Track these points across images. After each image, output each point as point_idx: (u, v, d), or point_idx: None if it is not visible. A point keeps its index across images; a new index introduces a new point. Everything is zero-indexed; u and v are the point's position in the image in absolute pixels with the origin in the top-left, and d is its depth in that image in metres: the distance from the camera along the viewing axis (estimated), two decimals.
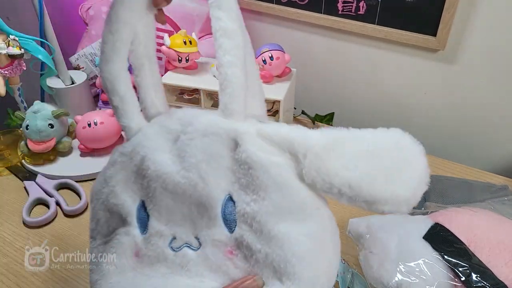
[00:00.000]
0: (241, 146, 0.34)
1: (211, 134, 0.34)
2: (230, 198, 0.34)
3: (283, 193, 0.33)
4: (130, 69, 0.81)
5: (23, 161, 0.73)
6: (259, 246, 0.33)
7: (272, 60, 0.70)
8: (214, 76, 0.74)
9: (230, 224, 0.34)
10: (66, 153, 0.74)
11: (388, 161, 0.32)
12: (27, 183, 0.68)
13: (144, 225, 0.37)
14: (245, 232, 0.33)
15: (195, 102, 0.76)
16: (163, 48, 0.74)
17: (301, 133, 0.33)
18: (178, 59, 0.74)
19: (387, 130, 0.33)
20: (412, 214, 0.54)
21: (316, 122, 0.83)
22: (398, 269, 0.46)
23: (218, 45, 0.35)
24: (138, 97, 0.40)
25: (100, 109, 0.78)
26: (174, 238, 0.36)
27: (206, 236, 0.35)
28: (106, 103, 0.78)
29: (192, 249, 0.35)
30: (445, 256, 0.45)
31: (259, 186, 0.33)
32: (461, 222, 0.49)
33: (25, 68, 0.70)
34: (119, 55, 0.37)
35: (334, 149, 0.32)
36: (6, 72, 0.68)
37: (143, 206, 0.37)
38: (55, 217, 0.64)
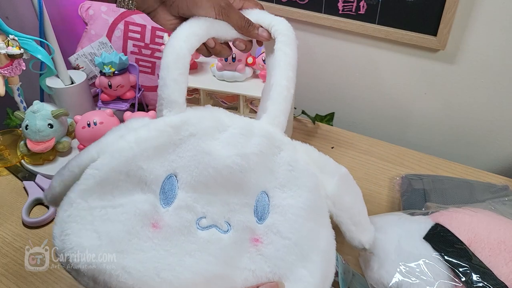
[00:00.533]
0: (285, 151, 0.40)
1: (261, 136, 0.40)
2: (265, 194, 0.39)
3: (315, 197, 0.40)
4: (130, 70, 0.80)
5: (22, 161, 0.73)
6: (291, 234, 0.38)
7: None
8: (214, 76, 0.74)
9: (261, 215, 0.39)
10: (65, 153, 0.74)
11: None
12: (27, 183, 0.68)
13: (169, 198, 0.38)
14: (276, 221, 0.38)
15: (195, 102, 0.76)
16: (163, 47, 0.74)
17: (336, 164, 0.43)
18: None
19: None
20: (413, 214, 0.54)
21: (316, 122, 0.83)
22: (398, 270, 0.46)
23: (282, 71, 0.43)
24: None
25: (99, 109, 0.78)
26: (204, 217, 0.38)
27: (238, 221, 0.38)
28: (106, 103, 0.78)
29: (220, 231, 0.38)
30: (446, 257, 0.45)
31: (297, 185, 0.39)
32: (462, 222, 0.49)
33: (24, 68, 0.70)
34: (194, 35, 0.42)
35: (349, 181, 0.44)
36: (5, 72, 0.68)
37: (174, 179, 0.38)
38: (54, 217, 0.63)
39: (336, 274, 0.55)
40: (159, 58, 0.84)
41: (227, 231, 0.38)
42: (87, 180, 0.37)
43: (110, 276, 0.34)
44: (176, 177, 0.38)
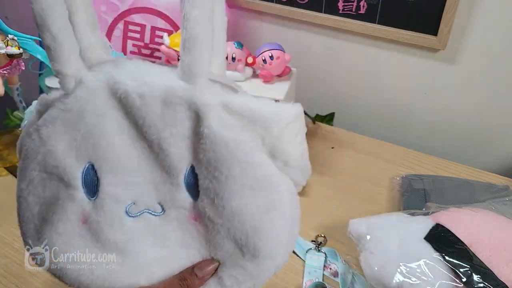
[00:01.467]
0: (204, 121, 0.32)
1: (170, 104, 0.32)
2: (192, 170, 0.34)
3: (247, 171, 0.33)
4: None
5: None
6: (221, 220, 0.33)
7: (272, 59, 0.70)
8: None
9: (193, 193, 0.34)
10: None
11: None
12: None
13: (93, 189, 0.34)
14: (207, 205, 0.33)
15: None
16: (163, 47, 0.73)
17: (273, 110, 0.33)
18: (178, 59, 0.73)
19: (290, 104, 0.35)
20: (413, 214, 0.54)
21: (316, 122, 0.83)
22: (399, 270, 0.46)
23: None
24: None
25: None
26: (134, 203, 0.34)
27: (170, 202, 0.34)
28: None
29: (154, 214, 0.35)
30: (446, 257, 0.45)
31: (222, 163, 0.32)
32: (462, 222, 0.49)
33: (23, 68, 0.70)
34: None
35: (294, 128, 0.34)
36: (4, 72, 0.68)
37: (92, 169, 0.34)
38: None
39: (336, 274, 0.55)
40: (159, 58, 0.84)
41: (161, 213, 0.35)
42: (19, 182, 0.41)
43: (57, 278, 0.36)
44: (94, 167, 0.34)
